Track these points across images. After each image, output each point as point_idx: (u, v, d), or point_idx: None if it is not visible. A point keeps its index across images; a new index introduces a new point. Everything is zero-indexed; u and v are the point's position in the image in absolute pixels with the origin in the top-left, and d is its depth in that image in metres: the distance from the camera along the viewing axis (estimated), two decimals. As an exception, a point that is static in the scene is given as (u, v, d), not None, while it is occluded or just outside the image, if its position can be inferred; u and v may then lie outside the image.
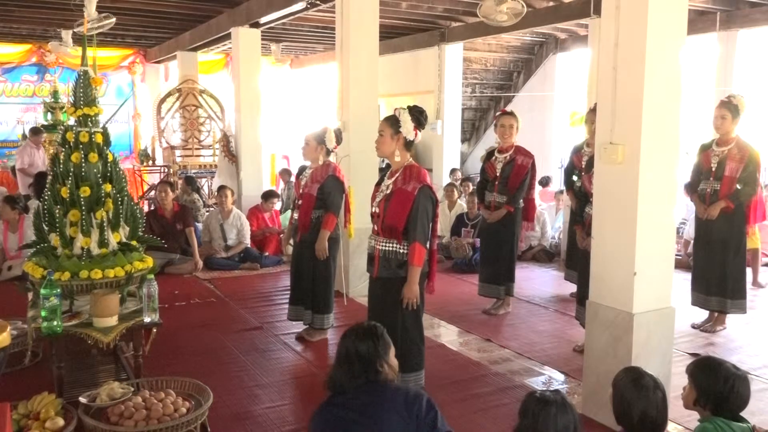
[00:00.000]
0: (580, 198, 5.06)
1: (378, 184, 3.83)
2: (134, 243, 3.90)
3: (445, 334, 5.22)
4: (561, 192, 8.88)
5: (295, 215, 5.00)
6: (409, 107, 3.68)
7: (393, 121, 3.64)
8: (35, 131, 10.14)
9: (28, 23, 10.44)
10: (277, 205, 8.77)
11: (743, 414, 2.49)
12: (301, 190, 4.95)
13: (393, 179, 3.67)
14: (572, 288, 6.06)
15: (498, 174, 5.61)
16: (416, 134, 3.67)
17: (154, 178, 11.48)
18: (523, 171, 5.53)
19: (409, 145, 3.70)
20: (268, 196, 8.41)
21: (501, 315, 5.70)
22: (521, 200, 5.63)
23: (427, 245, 3.64)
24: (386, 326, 3.64)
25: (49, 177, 3.97)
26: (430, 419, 2.31)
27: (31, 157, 9.86)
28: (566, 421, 2.16)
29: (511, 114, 5.69)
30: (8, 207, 6.91)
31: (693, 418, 2.92)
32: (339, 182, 4.85)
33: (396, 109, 3.68)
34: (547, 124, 11.90)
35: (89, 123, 3.82)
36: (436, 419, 2.32)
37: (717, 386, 2.43)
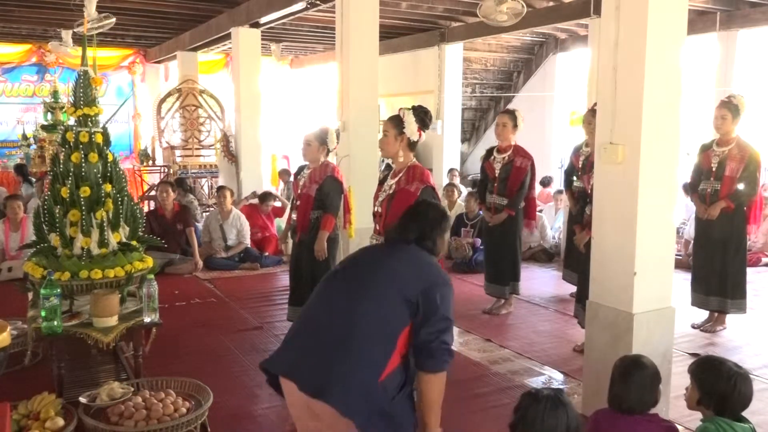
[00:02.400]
0: (579, 198, 5.06)
1: (381, 184, 3.83)
2: (134, 243, 3.90)
3: (445, 334, 5.21)
4: (559, 192, 8.89)
5: (294, 215, 5.00)
6: (413, 107, 3.68)
7: (397, 122, 3.64)
8: None
9: (28, 23, 10.44)
10: (277, 203, 8.76)
11: (744, 413, 2.49)
12: (299, 191, 4.93)
13: (396, 179, 3.67)
14: (572, 288, 6.06)
15: (496, 174, 5.59)
16: (420, 135, 3.67)
17: (154, 178, 11.49)
18: (521, 173, 5.49)
19: (412, 145, 3.70)
20: (265, 197, 8.39)
21: (502, 315, 5.70)
22: (522, 201, 5.62)
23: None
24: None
25: (49, 177, 3.98)
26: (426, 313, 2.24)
27: None
28: (556, 418, 2.14)
29: (508, 112, 5.64)
30: (16, 205, 6.96)
31: (694, 418, 2.93)
32: (337, 183, 4.83)
33: (400, 109, 3.68)
34: (547, 124, 11.90)
35: (89, 123, 3.82)
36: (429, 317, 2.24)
37: (720, 385, 2.44)
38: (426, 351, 2.25)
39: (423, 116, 3.66)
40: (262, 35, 9.30)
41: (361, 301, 2.24)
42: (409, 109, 3.66)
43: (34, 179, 9.83)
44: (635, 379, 2.55)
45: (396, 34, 11.24)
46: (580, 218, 4.99)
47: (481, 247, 6.96)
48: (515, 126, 5.53)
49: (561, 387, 4.18)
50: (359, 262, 2.49)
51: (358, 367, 2.13)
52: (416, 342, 2.25)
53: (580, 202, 5.19)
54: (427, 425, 2.33)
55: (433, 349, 2.24)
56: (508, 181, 5.51)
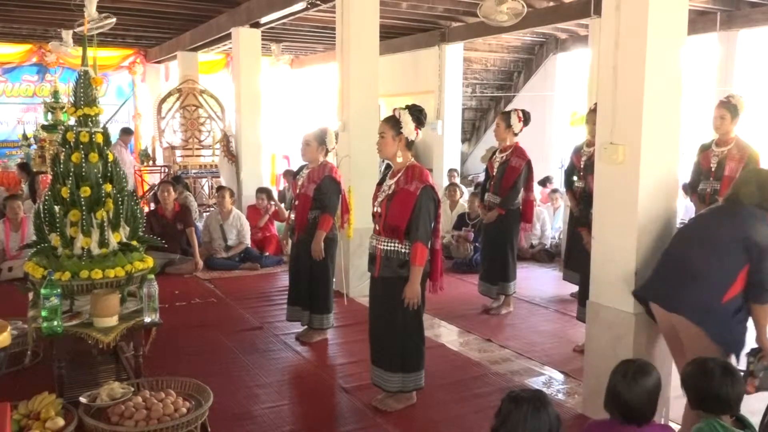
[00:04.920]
0: (583, 199, 5.05)
1: (380, 184, 3.83)
2: (134, 243, 3.90)
3: (445, 334, 5.22)
4: (554, 191, 8.90)
5: (292, 216, 5.01)
6: (408, 107, 3.67)
7: (394, 123, 3.63)
8: (126, 131, 10.90)
9: (28, 23, 10.45)
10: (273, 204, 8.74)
11: (744, 414, 2.48)
12: (297, 191, 4.94)
13: (395, 179, 3.67)
14: (572, 288, 6.06)
15: (494, 173, 5.62)
16: (417, 133, 3.67)
17: (154, 178, 11.49)
18: (515, 173, 5.50)
19: (410, 145, 3.70)
20: (258, 191, 8.35)
21: (502, 315, 5.70)
22: (517, 201, 5.60)
23: (429, 245, 3.64)
24: (387, 326, 3.69)
25: (43, 176, 3.98)
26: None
27: (120, 156, 9.93)
28: (539, 421, 2.08)
29: (503, 113, 5.69)
30: (15, 205, 6.97)
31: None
32: (335, 183, 4.84)
33: (395, 109, 3.67)
34: (547, 124, 11.89)
35: (89, 123, 3.82)
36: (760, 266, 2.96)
37: (698, 383, 2.42)
38: (751, 287, 2.99)
39: (418, 115, 3.66)
40: (262, 35, 9.30)
41: (707, 247, 3.07)
42: (404, 108, 3.65)
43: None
44: (640, 389, 2.36)
45: (396, 34, 11.24)
46: (583, 219, 4.98)
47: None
48: (508, 126, 5.55)
49: (560, 387, 4.19)
50: (705, 218, 3.34)
51: (703, 292, 3.01)
52: (748, 280, 2.98)
53: (582, 202, 5.18)
54: (759, 336, 3.07)
55: (756, 287, 2.98)
56: (502, 179, 5.53)
